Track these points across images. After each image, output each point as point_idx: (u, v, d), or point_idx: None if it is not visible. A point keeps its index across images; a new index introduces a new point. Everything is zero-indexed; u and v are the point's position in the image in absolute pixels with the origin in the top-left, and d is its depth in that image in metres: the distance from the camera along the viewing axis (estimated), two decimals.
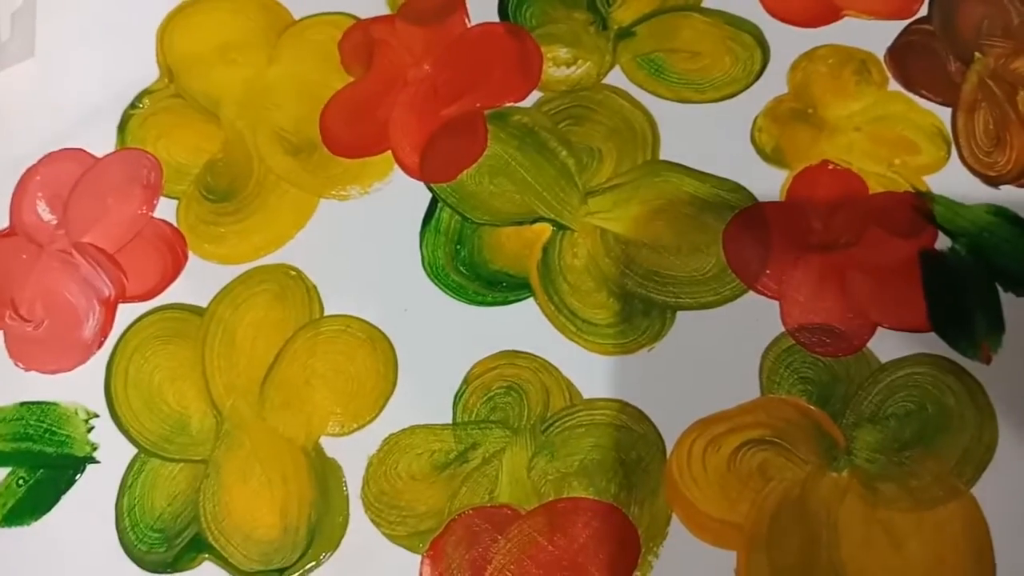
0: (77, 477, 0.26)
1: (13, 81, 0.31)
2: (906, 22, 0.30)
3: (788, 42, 0.30)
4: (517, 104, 0.30)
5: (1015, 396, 0.25)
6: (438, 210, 0.28)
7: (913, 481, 0.24)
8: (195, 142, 0.30)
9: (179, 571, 0.25)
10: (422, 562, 0.24)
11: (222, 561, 0.25)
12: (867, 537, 0.24)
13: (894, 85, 0.29)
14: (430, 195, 0.28)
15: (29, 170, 0.30)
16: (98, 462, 0.26)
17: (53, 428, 0.27)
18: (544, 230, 0.28)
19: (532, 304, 0.27)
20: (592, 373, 0.26)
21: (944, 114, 0.29)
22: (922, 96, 0.29)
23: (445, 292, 0.27)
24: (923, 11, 0.30)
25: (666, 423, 0.25)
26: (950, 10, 0.30)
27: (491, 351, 0.26)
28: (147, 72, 0.31)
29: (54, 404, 0.27)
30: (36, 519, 0.26)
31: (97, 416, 0.27)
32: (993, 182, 0.28)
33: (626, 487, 0.25)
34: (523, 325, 0.27)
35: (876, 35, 0.30)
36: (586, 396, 0.26)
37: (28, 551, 0.26)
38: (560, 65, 0.30)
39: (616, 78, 0.30)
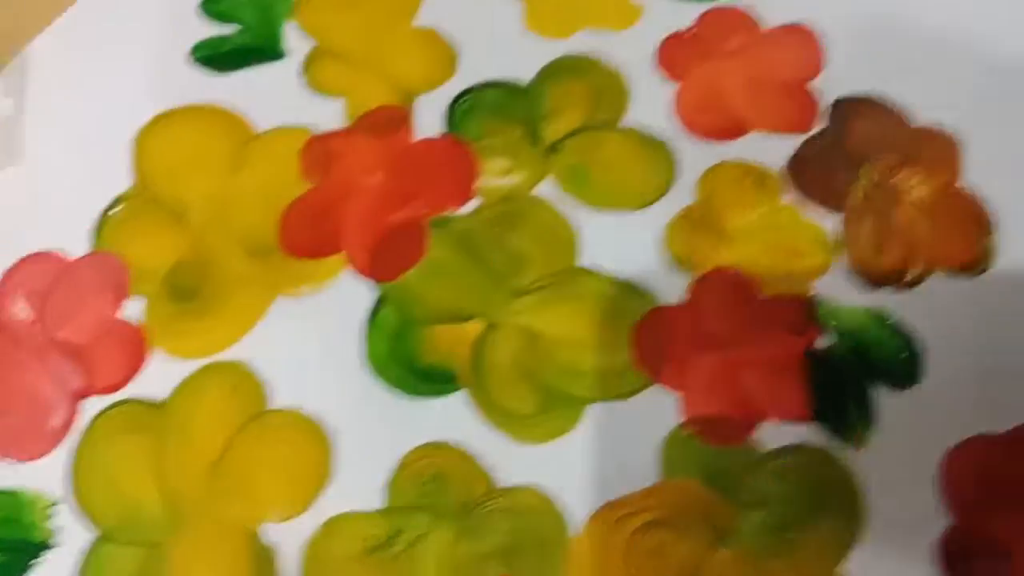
0: (35, 561, 0.28)
1: (1, 188, 0.34)
2: (804, 136, 0.33)
3: (698, 156, 0.33)
4: (457, 211, 0.33)
5: (884, 479, 0.28)
6: (382, 308, 0.31)
7: (794, 556, 0.27)
8: (164, 245, 0.32)
9: None
10: None
11: None
12: None
13: (789, 195, 0.32)
14: (376, 294, 0.32)
15: (8, 271, 0.32)
16: (56, 547, 0.28)
17: (13, 516, 0.29)
18: (475, 327, 0.31)
19: (462, 396, 0.30)
20: (511, 460, 0.29)
21: (832, 222, 0.31)
22: (813, 205, 0.32)
23: (384, 384, 0.30)
24: (817, 128, 0.33)
25: (575, 506, 0.28)
26: (842, 126, 0.33)
27: (423, 440, 0.29)
28: (123, 179, 0.34)
29: (16, 492, 0.29)
30: None
31: (57, 504, 0.29)
32: (873, 285, 0.31)
33: (538, 566, 0.27)
34: (453, 416, 0.29)
35: (776, 149, 0.33)
36: (506, 483, 0.28)
37: None
38: (497, 175, 0.34)
39: (546, 188, 0.33)
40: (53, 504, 0.29)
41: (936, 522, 0.27)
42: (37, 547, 0.29)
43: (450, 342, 0.31)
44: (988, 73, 0.34)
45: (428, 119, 0.35)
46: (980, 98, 0.33)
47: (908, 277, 0.31)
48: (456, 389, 0.30)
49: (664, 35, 0.35)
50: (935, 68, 0.34)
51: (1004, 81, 0.34)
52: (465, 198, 0.33)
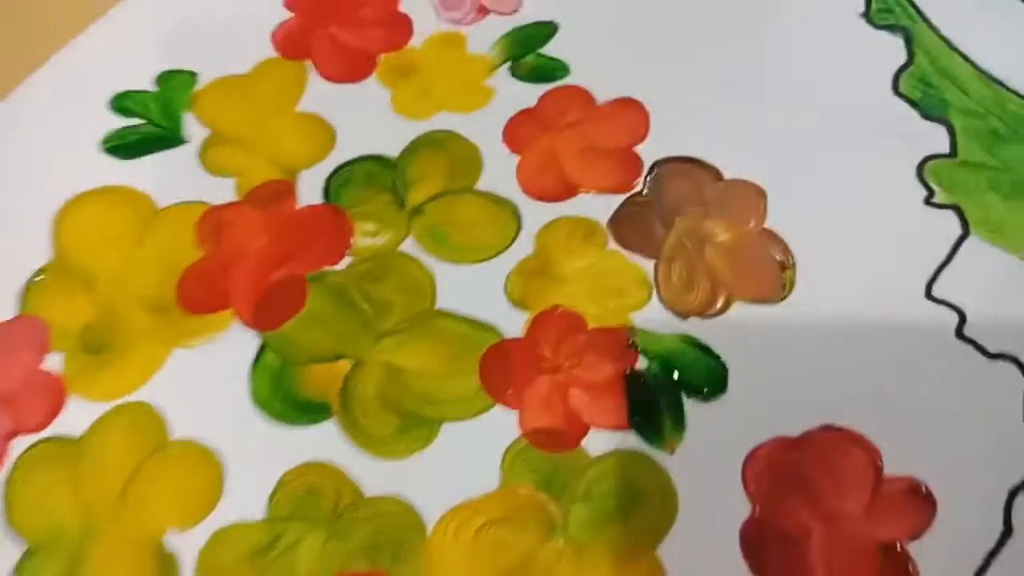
0: None
1: None
2: (624, 195, 0.39)
3: (536, 214, 0.38)
4: (332, 267, 0.38)
5: (694, 476, 0.32)
6: (264, 353, 0.37)
7: (613, 546, 0.31)
8: (78, 308, 0.37)
9: None
10: None
11: None
12: None
13: (613, 245, 0.37)
14: (259, 341, 0.37)
15: None
16: None
17: None
18: (345, 365, 0.36)
19: (333, 424, 0.35)
20: (376, 474, 0.33)
21: (648, 266, 0.37)
22: (633, 252, 0.37)
23: (267, 416, 0.35)
24: (639, 187, 0.39)
25: (428, 511, 0.32)
26: (659, 186, 0.39)
27: (299, 462, 0.34)
28: (44, 254, 0.38)
29: None
30: None
31: None
32: (683, 316, 0.36)
33: (395, 560, 0.31)
34: (325, 440, 0.34)
35: (602, 206, 0.38)
36: (369, 494, 0.33)
37: None
38: (367, 236, 0.39)
39: (409, 245, 0.38)
40: None
41: (739, 512, 0.31)
42: None
43: (323, 379, 0.35)
44: (788, 134, 0.40)
45: (309, 190, 0.40)
46: (782, 155, 0.39)
47: (713, 308, 0.36)
48: (328, 418, 0.35)
49: (511, 113, 0.42)
50: (743, 132, 0.40)
51: (801, 139, 0.40)
52: (340, 256, 0.38)
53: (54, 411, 0.35)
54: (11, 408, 0.35)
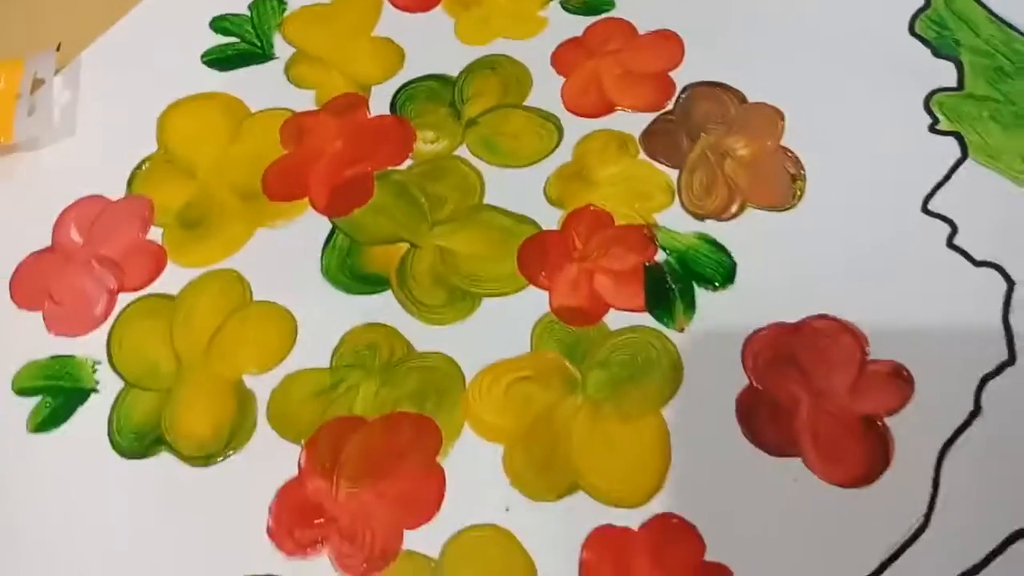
0: (84, 401, 0.37)
1: (59, 151, 0.45)
2: (657, 113, 0.43)
3: (576, 127, 0.43)
4: (396, 167, 0.44)
5: (700, 351, 0.36)
6: (335, 235, 0.42)
7: (624, 405, 0.35)
8: (177, 191, 0.43)
9: (146, 457, 0.36)
10: (301, 450, 0.35)
11: (174, 451, 0.36)
12: (591, 440, 0.34)
13: (643, 155, 0.41)
14: (331, 226, 0.42)
15: (65, 209, 0.43)
16: (98, 392, 0.38)
17: (70, 371, 0.38)
18: (403, 247, 0.41)
19: (390, 294, 0.40)
20: (424, 336, 0.38)
21: (673, 174, 0.41)
22: (660, 162, 0.41)
23: (334, 287, 0.40)
24: (670, 106, 0.44)
25: (468, 366, 0.37)
26: (688, 105, 0.43)
27: (360, 323, 0.39)
28: (149, 146, 0.45)
29: (72, 357, 0.39)
30: (56, 428, 0.37)
31: (99, 363, 0.38)
32: (700, 218, 0.40)
33: (437, 406, 0.36)
34: (384, 307, 0.39)
35: (635, 122, 0.42)
36: (419, 351, 0.38)
37: (52, 448, 0.37)
38: (427, 142, 0.44)
39: (463, 151, 0.43)
40: (97, 363, 0.39)
41: (737, 383, 0.35)
42: (86, 393, 0.38)
43: (384, 258, 0.40)
44: (808, 66, 0.43)
45: (380, 104, 0.45)
46: (802, 84, 0.42)
47: (729, 212, 0.40)
48: (386, 289, 0.40)
49: (560, 41, 0.46)
50: (768, 62, 0.44)
51: (820, 71, 0.43)
52: (403, 159, 0.43)
53: (154, 274, 0.41)
54: (118, 270, 0.41)
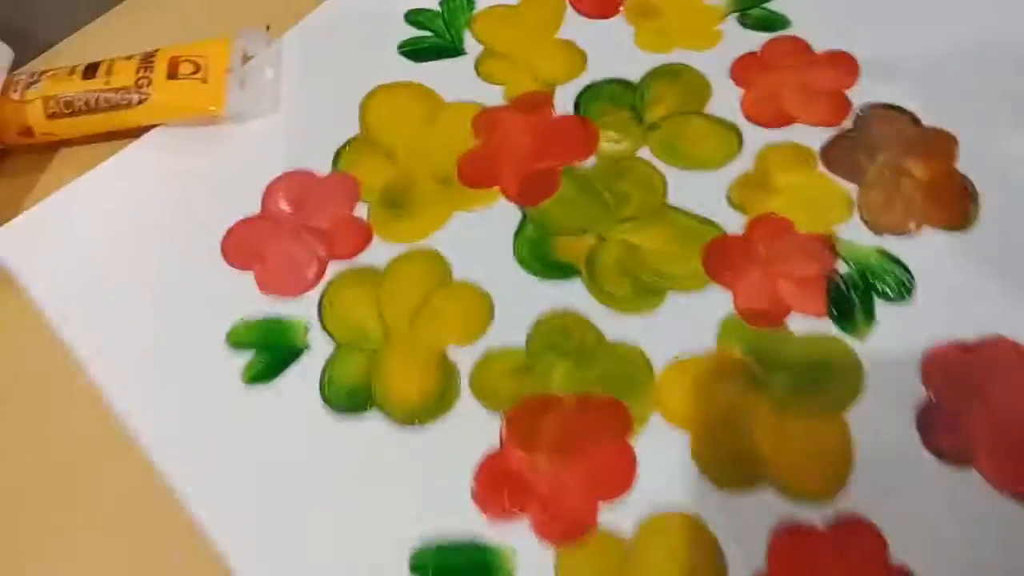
0: (297, 359, 0.40)
1: (265, 125, 0.48)
2: (835, 129, 0.46)
3: (756, 137, 0.45)
4: (582, 163, 0.46)
5: (880, 360, 0.38)
6: (525, 223, 0.45)
7: (808, 403, 0.37)
8: (380, 171, 0.45)
9: (358, 414, 0.38)
10: (502, 418, 0.38)
11: (384, 412, 0.39)
12: (775, 437, 0.37)
13: (821, 168, 0.44)
14: (521, 214, 0.45)
15: (275, 180, 0.45)
16: (310, 350, 0.40)
17: (282, 332, 0.41)
18: (590, 239, 0.43)
19: (579, 282, 0.42)
20: (614, 325, 0.40)
21: (851, 188, 0.43)
22: (839, 176, 0.43)
23: (527, 272, 0.42)
24: (848, 124, 0.46)
25: (657, 357, 0.39)
26: (866, 125, 0.46)
27: (553, 308, 0.41)
28: (353, 128, 0.48)
29: (285, 318, 0.41)
30: (269, 382, 0.39)
31: (310, 325, 0.41)
32: (879, 233, 0.42)
33: (628, 390, 0.38)
34: (574, 294, 0.41)
35: (815, 136, 0.44)
36: (609, 339, 0.41)
37: (264, 399, 0.40)
38: (610, 142, 0.47)
39: (645, 153, 0.46)
40: (308, 325, 0.42)
41: (915, 394, 0.37)
42: (299, 351, 0.41)
43: (572, 248, 0.43)
44: (979, 90, 0.46)
45: (563, 103, 0.48)
46: (974, 109, 0.45)
47: (906, 229, 0.43)
48: (576, 277, 0.42)
49: (737, 54, 0.49)
50: (940, 85, 0.46)
51: (992, 95, 0.45)
52: (587, 156, 0.46)
53: (361, 246, 0.44)
54: (327, 240, 0.44)
